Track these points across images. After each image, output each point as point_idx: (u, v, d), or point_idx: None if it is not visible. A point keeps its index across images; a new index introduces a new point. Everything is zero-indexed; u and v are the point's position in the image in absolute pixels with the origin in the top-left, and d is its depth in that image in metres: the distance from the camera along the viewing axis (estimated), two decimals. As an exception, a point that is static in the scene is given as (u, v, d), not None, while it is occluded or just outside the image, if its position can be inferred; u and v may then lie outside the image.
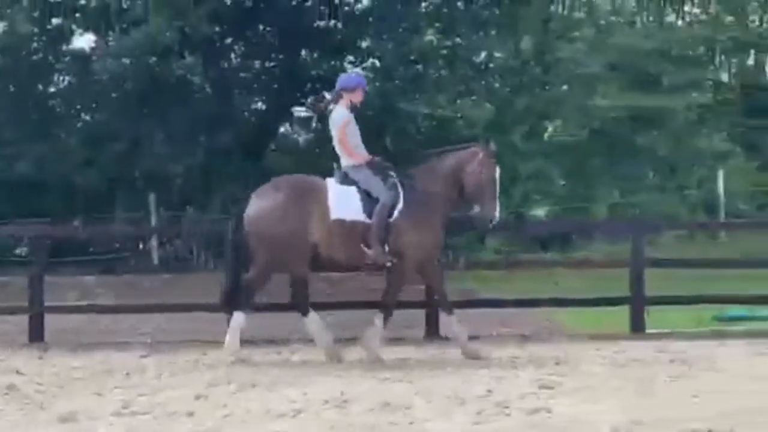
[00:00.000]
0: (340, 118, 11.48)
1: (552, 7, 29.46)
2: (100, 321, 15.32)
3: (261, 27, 26.28)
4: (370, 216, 11.09)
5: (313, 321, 11.43)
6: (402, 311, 12.01)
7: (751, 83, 31.09)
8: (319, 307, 11.99)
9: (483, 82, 26.69)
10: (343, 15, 26.35)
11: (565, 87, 28.84)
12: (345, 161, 11.45)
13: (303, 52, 26.67)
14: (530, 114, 26.63)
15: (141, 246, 23.55)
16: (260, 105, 27.54)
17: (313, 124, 27.58)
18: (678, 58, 27.69)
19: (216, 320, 14.22)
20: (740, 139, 28.59)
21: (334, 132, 11.51)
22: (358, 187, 11.23)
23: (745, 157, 28.24)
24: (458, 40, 26.87)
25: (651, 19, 30.11)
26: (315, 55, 26.76)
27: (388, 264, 11.18)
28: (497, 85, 27.70)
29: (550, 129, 28.05)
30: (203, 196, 24.38)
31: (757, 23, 31.05)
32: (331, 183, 11.34)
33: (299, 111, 27.78)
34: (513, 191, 24.69)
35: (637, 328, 13.12)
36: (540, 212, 27.07)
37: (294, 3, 25.91)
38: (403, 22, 25.59)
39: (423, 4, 26.48)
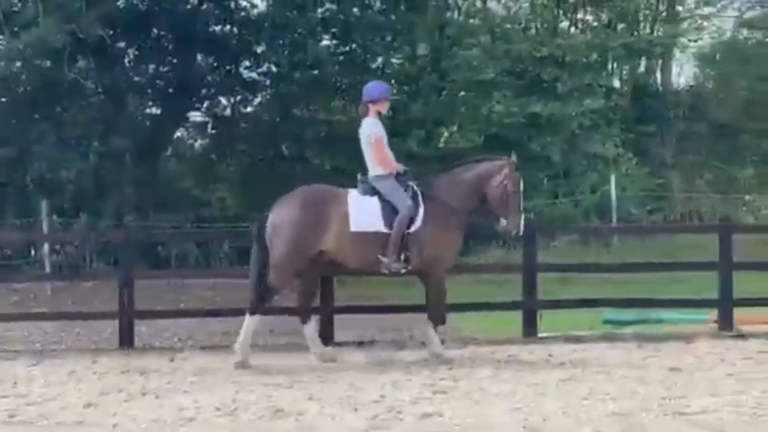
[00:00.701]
0: (372, 130, 11.49)
1: (448, 14, 29.73)
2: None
3: (155, 31, 26.05)
4: (390, 226, 11.18)
5: (252, 323, 11.27)
6: (294, 318, 11.92)
7: (641, 90, 31.59)
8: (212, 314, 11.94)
9: (380, 88, 26.72)
10: (238, 20, 26.28)
11: (461, 93, 29.03)
12: (373, 171, 11.47)
13: (198, 57, 26.52)
14: (426, 120, 26.79)
15: (33, 253, 23.11)
16: (154, 110, 27.26)
17: (209, 130, 27.41)
18: (571, 65, 27.96)
19: (108, 327, 14.10)
20: (632, 145, 28.98)
21: (366, 144, 11.51)
22: (380, 197, 11.30)
23: (637, 162, 28.63)
24: (354, 45, 26.96)
25: (545, 26, 30.49)
26: (210, 60, 26.63)
27: (403, 271, 11.27)
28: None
29: (446, 135, 28.18)
30: (96, 202, 24.01)
31: (648, 31, 31.56)
32: (353, 193, 11.38)
33: (195, 116, 27.58)
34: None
35: (530, 332, 13.18)
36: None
37: (189, 7, 25.73)
38: (299, 27, 25.59)
39: (319, 10, 26.49)
